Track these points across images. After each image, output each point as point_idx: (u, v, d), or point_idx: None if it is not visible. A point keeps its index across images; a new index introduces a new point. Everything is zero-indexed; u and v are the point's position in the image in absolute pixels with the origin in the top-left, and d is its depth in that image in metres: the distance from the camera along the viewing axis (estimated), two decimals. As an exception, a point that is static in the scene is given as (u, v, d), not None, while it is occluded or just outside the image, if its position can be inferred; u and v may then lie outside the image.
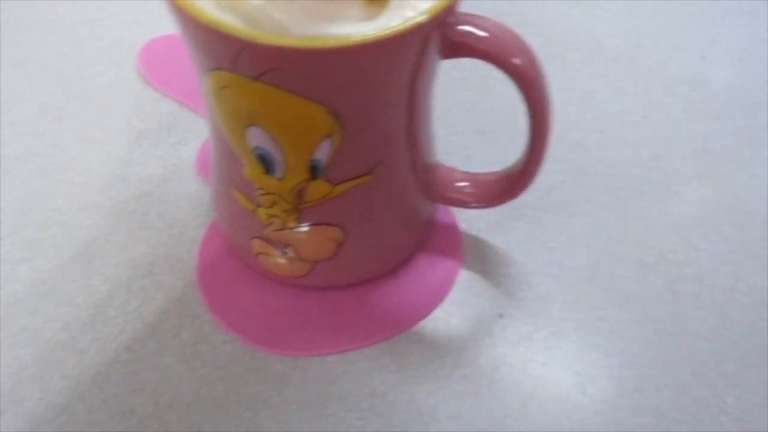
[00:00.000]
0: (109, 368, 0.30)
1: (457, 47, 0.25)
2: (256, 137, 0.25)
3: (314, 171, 0.26)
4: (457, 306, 0.32)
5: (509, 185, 0.30)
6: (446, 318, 0.31)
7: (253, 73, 0.23)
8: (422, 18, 0.22)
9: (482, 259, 0.33)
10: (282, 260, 0.30)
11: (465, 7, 0.25)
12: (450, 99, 0.39)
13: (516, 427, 0.28)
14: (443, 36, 0.24)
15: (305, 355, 0.30)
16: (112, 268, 0.33)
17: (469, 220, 0.34)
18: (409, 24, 0.22)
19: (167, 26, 0.41)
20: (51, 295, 0.32)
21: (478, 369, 0.30)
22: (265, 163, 0.26)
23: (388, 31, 0.22)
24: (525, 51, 0.26)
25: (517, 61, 0.26)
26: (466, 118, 0.38)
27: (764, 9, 0.45)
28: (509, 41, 0.26)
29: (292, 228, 0.28)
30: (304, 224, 0.28)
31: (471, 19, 0.25)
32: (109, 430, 0.28)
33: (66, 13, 0.43)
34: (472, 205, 0.31)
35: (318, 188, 0.27)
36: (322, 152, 0.25)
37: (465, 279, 0.33)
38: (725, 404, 0.29)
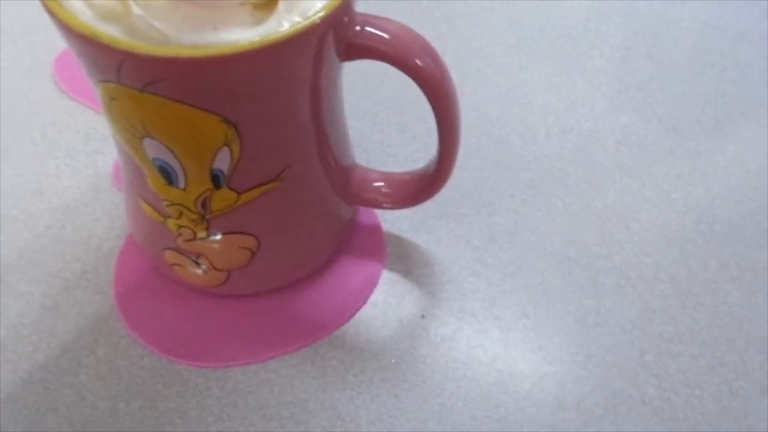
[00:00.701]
0: (23, 389, 0.29)
1: (356, 49, 0.25)
2: (153, 148, 0.24)
3: (216, 180, 0.25)
4: (380, 308, 0.31)
5: (424, 186, 0.30)
6: (368, 321, 0.31)
7: (138, 85, 0.22)
8: (309, 22, 0.22)
9: (405, 259, 0.33)
10: (196, 270, 0.29)
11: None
12: (370, 96, 0.39)
13: (438, 429, 0.28)
14: (339, 38, 0.24)
15: (224, 365, 0.30)
16: (26, 285, 0.32)
17: (392, 220, 0.34)
18: (294, 29, 0.21)
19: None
20: (-38, 315, 0.31)
21: (399, 372, 0.30)
22: (166, 174, 0.25)
23: (273, 37, 0.21)
24: (427, 51, 0.26)
25: (418, 62, 0.25)
26: (388, 116, 0.38)
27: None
28: (410, 41, 0.25)
29: (202, 238, 0.28)
30: (214, 234, 0.28)
31: (369, 20, 0.25)
32: (22, 453, 0.28)
33: (-21, 22, 0.42)
34: (388, 206, 0.31)
35: (223, 197, 0.26)
36: (222, 161, 0.25)
37: (387, 280, 0.32)
38: (645, 395, 0.29)
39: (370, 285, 0.32)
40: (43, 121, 0.38)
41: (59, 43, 0.40)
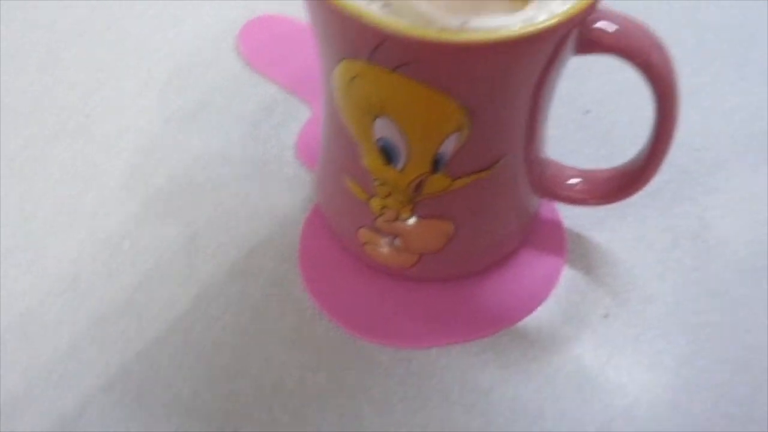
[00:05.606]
0: (214, 349, 0.30)
1: (592, 44, 0.24)
2: (383, 128, 0.25)
3: (436, 164, 0.26)
4: (561, 304, 0.31)
5: (624, 183, 0.29)
6: (550, 316, 0.31)
7: (392, 65, 0.22)
8: (568, 13, 0.22)
9: (586, 257, 0.33)
10: (388, 250, 0.30)
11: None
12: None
13: (625, 430, 0.28)
14: (581, 32, 0.24)
15: (408, 346, 0.30)
16: (214, 248, 0.33)
17: (572, 217, 0.34)
18: (555, 20, 0.21)
19: (267, 6, 0.41)
20: (155, 272, 0.32)
21: (583, 369, 0.30)
22: (388, 154, 0.26)
23: (535, 27, 0.21)
24: (659, 47, 0.25)
25: (651, 57, 0.25)
26: (568, 112, 0.38)
27: None
28: (643, 37, 0.25)
29: (404, 220, 0.28)
30: (416, 216, 0.28)
31: (606, 15, 0.24)
32: (214, 412, 0.29)
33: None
34: (586, 202, 0.30)
35: (437, 182, 0.26)
36: (448, 146, 0.25)
37: (568, 277, 0.32)
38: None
39: (553, 279, 0.32)
40: (227, 91, 0.38)
41: (243, 15, 0.42)
